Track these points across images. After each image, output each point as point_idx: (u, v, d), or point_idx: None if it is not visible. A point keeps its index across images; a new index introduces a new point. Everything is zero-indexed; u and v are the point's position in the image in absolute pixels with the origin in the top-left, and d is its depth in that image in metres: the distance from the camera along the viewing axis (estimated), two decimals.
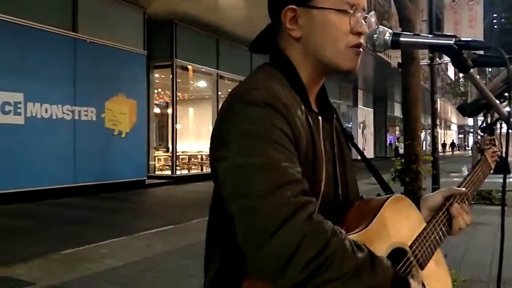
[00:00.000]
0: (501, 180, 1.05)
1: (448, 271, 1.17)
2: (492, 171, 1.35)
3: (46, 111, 10.56)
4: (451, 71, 33.98)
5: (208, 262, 1.03)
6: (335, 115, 1.13)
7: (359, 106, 31.42)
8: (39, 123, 10.36)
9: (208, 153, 0.96)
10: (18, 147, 9.83)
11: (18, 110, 9.93)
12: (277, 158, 0.84)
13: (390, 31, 0.97)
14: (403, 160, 3.98)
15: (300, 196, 0.82)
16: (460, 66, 0.93)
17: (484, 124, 1.35)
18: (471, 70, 0.94)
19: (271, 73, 1.00)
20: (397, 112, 38.17)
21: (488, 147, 1.34)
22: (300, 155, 0.91)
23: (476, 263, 5.03)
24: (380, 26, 0.99)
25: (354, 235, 0.93)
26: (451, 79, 30.43)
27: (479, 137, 1.35)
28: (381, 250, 0.97)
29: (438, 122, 9.11)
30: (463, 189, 1.19)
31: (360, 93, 31.62)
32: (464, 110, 1.08)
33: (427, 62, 7.51)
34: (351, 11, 0.99)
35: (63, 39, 10.99)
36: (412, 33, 0.97)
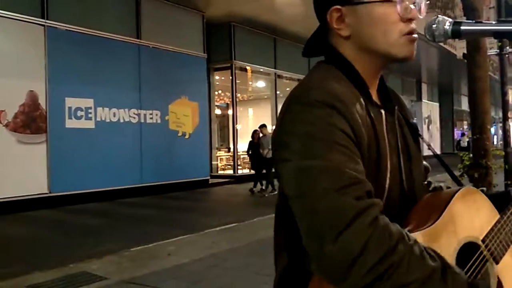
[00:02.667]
0: None
1: None
2: None
3: (114, 115, 11.09)
4: None
5: (277, 260, 1.03)
6: (397, 107, 1.09)
7: (423, 100, 30.27)
8: (108, 126, 10.89)
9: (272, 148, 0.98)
10: (89, 150, 10.41)
11: (89, 115, 10.50)
12: (338, 160, 0.83)
13: (450, 20, 0.94)
14: (471, 155, 3.81)
15: (364, 199, 0.81)
16: None
17: None
18: None
19: (327, 70, 1.00)
20: (465, 106, 36.33)
21: None
22: (363, 152, 0.90)
23: None
24: (439, 15, 0.96)
25: (422, 231, 0.90)
26: None
27: None
28: (452, 245, 0.93)
29: (510, 114, 8.61)
30: None
31: (424, 87, 30.45)
32: None
33: (496, 51, 7.10)
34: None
35: (128, 46, 11.49)
36: (474, 21, 0.94)
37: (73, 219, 7.98)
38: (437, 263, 0.82)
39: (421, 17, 0.99)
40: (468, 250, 0.96)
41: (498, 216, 1.05)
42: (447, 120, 34.70)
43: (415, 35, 0.99)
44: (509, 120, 7.34)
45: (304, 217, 0.83)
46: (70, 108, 10.16)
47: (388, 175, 0.96)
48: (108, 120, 10.94)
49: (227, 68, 15.37)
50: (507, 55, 8.09)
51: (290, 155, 0.87)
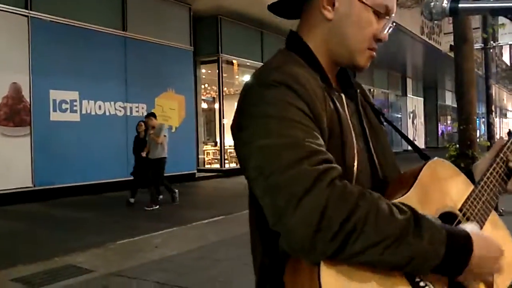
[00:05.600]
0: None
1: (509, 232, 1.07)
2: None
3: (100, 108, 10.97)
4: (506, 56, 32.41)
5: (254, 249, 1.03)
6: (359, 91, 1.11)
7: (408, 95, 30.53)
8: (94, 119, 10.77)
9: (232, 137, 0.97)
10: (74, 143, 10.28)
11: (74, 108, 10.37)
12: (295, 136, 0.84)
13: None
14: (457, 146, 3.86)
15: (320, 165, 0.81)
16: None
17: None
18: None
19: (288, 55, 1.01)
20: (449, 101, 36.80)
21: None
22: (323, 133, 0.90)
23: None
24: None
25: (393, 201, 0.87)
26: (506, 65, 29.01)
27: None
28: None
29: (493, 108, 8.73)
30: (502, 141, 1.08)
31: (409, 82, 30.72)
32: None
33: (481, 45, 7.18)
34: (387, 17, 1.01)
35: (114, 38, 11.36)
36: None
37: (58, 213, 7.90)
38: (407, 215, 0.80)
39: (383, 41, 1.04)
40: (446, 221, 0.93)
41: (471, 186, 1.04)
42: (432, 115, 35.08)
43: (375, 54, 1.05)
44: (493, 113, 7.44)
45: (265, 195, 0.83)
46: (54, 100, 10.02)
47: (356, 157, 0.96)
48: (93, 113, 10.82)
49: (213, 61, 15.30)
50: (490, 50, 8.19)
51: (249, 137, 0.88)
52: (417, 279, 0.85)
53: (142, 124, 9.24)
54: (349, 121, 0.99)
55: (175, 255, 5.22)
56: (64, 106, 10.19)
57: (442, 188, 0.98)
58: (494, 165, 1.06)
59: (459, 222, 0.97)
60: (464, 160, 3.63)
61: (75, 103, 10.38)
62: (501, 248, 0.91)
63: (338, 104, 0.98)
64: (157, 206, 8.72)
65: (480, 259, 0.85)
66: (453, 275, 0.85)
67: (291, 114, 0.86)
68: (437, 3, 0.94)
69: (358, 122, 1.04)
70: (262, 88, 0.90)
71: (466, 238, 0.84)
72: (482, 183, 1.04)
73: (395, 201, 0.86)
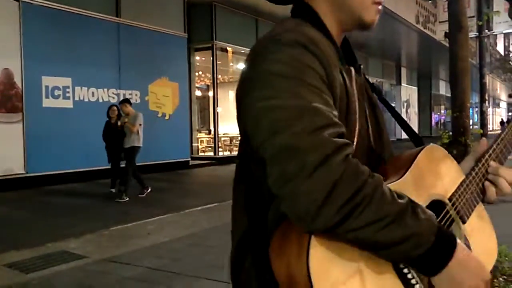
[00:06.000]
0: None
1: (492, 227, 1.08)
2: None
3: (93, 95, 10.90)
4: (500, 46, 32.47)
5: (235, 222, 1.01)
6: (362, 69, 1.10)
7: (402, 84, 30.59)
8: (87, 106, 10.70)
9: (236, 100, 0.93)
10: (67, 130, 10.22)
11: (67, 95, 10.29)
12: (313, 100, 0.82)
13: None
14: (450, 134, 3.87)
15: (338, 138, 0.80)
16: None
17: None
18: None
19: (299, 21, 0.97)
20: (442, 90, 36.90)
21: None
22: (335, 99, 0.88)
23: None
24: None
25: (388, 185, 0.87)
26: (500, 54, 29.07)
27: None
28: (419, 201, 0.90)
29: (486, 97, 8.76)
30: (484, 146, 1.09)
31: (403, 71, 30.75)
32: None
33: (475, 34, 7.18)
34: None
35: (107, 24, 11.25)
36: None
37: (51, 200, 7.88)
38: (406, 200, 0.82)
39: None
40: (435, 209, 0.94)
41: (463, 175, 1.04)
42: (425, 104, 35.20)
43: (381, 8, 1.02)
44: (486, 102, 7.47)
45: (278, 156, 0.80)
46: (47, 87, 9.94)
47: (357, 132, 0.95)
48: (86, 100, 10.75)
49: (208, 48, 15.21)
50: (485, 38, 8.20)
51: (261, 95, 0.84)
52: (401, 266, 0.86)
53: (115, 109, 8.62)
54: (356, 96, 0.97)
55: (167, 241, 5.23)
56: (56, 92, 10.11)
57: (436, 175, 0.99)
58: (483, 161, 1.07)
59: (447, 212, 0.98)
60: (457, 147, 3.65)
61: (67, 90, 10.30)
62: (486, 272, 0.90)
63: (346, 77, 0.96)
64: (148, 190, 8.63)
65: (460, 266, 0.84)
66: (431, 272, 0.84)
67: (309, 78, 0.84)
68: None
69: (362, 98, 1.03)
70: (277, 45, 0.86)
71: (453, 238, 0.86)
72: (473, 173, 1.05)
73: (392, 184, 0.87)
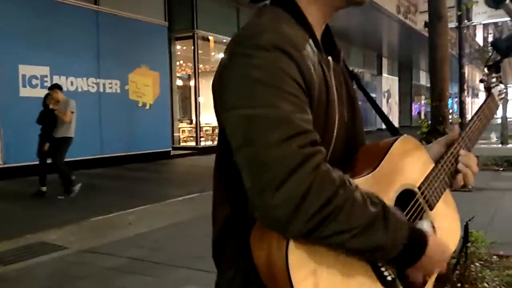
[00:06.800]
0: None
1: (457, 210, 1.14)
2: (498, 109, 1.30)
3: (72, 84, 10.72)
4: (479, 37, 32.92)
5: (217, 212, 1.01)
6: (341, 56, 1.09)
7: (383, 74, 30.80)
8: (65, 95, 10.49)
9: (213, 94, 0.93)
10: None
11: (45, 84, 10.08)
12: (287, 109, 0.81)
13: None
14: (429, 123, 3.92)
15: (307, 147, 0.80)
16: None
17: (490, 62, 1.29)
18: (507, 1, 0.91)
19: (277, 13, 0.94)
20: (423, 80, 37.29)
21: (495, 84, 1.27)
22: (313, 99, 0.88)
23: (504, 227, 4.97)
24: None
25: (362, 178, 0.91)
26: (479, 45, 29.44)
27: (484, 74, 1.30)
28: (391, 191, 0.96)
29: (465, 87, 8.87)
30: (456, 134, 1.14)
31: (384, 61, 30.95)
32: (499, 46, 1.04)
33: (455, 24, 7.25)
34: None
35: (85, 12, 11.04)
36: None
37: (30, 191, 7.74)
38: (378, 208, 0.84)
39: None
40: (405, 197, 0.99)
41: (433, 164, 1.09)
42: (406, 94, 35.54)
43: None
44: (465, 92, 7.58)
45: (249, 167, 0.81)
46: (24, 76, 9.73)
47: (337, 123, 0.95)
48: (65, 89, 10.49)
49: (189, 37, 15.05)
50: (465, 29, 8.28)
51: (237, 102, 0.84)
52: (379, 264, 0.90)
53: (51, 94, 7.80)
54: (334, 88, 0.97)
55: (149, 231, 5.21)
56: (34, 81, 9.91)
57: (408, 164, 1.02)
58: (452, 149, 1.11)
59: (417, 200, 1.02)
60: (435, 136, 3.69)
61: (45, 79, 10.09)
62: (449, 251, 1.00)
63: (325, 68, 0.95)
64: (77, 186, 7.52)
65: (430, 259, 0.91)
66: (403, 267, 0.92)
67: (284, 84, 0.82)
68: None
69: (340, 86, 1.03)
70: (253, 49, 0.84)
71: (424, 240, 0.91)
72: (442, 161, 1.09)
73: (365, 177, 0.91)
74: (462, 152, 1.11)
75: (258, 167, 0.79)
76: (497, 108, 1.27)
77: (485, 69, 1.27)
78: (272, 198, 0.77)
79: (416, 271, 0.93)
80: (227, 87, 0.87)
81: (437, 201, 1.06)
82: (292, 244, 0.80)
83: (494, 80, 1.25)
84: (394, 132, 1.13)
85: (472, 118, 1.20)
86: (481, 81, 1.24)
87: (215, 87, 0.92)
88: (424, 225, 0.99)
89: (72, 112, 7.57)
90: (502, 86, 1.26)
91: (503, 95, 1.28)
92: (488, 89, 1.27)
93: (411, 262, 0.90)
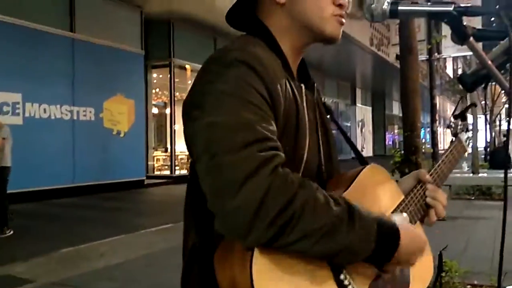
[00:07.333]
0: (501, 176, 1.05)
1: (428, 244, 1.12)
2: (465, 153, 1.36)
3: (45, 111, 10.55)
4: (449, 69, 34.01)
5: (186, 241, 1.01)
6: (316, 88, 1.12)
7: (357, 104, 31.39)
8: (38, 123, 10.33)
9: (182, 116, 0.94)
10: (17, 148, 9.78)
11: (17, 111, 9.91)
12: (249, 118, 0.82)
13: (388, 0, 0.96)
14: (402, 152, 3.98)
15: (265, 152, 0.80)
16: (460, 33, 0.92)
17: (457, 111, 1.39)
18: (471, 39, 0.93)
19: (251, 39, 0.98)
20: (395, 110, 38.11)
21: (461, 131, 1.35)
22: (278, 117, 0.89)
23: (477, 256, 5.02)
24: None
25: None
26: (449, 77, 30.42)
27: (452, 122, 1.39)
28: None
29: (437, 118, 9.09)
30: (428, 177, 1.16)
31: (358, 91, 31.61)
32: (464, 81, 1.07)
33: (426, 57, 7.49)
34: None
35: (61, 39, 10.98)
36: (410, 2, 0.96)
37: None
38: (342, 207, 0.82)
39: (348, 11, 1.03)
40: None
41: (402, 195, 1.10)
42: (379, 124, 36.20)
43: (343, 20, 1.02)
44: (437, 122, 7.76)
45: (207, 174, 0.81)
46: None
47: (307, 147, 0.96)
48: (37, 117, 10.38)
49: (165, 66, 15.12)
50: (435, 62, 8.56)
51: (201, 113, 0.85)
52: (342, 277, 0.88)
53: None
54: (306, 112, 0.98)
55: (122, 263, 5.07)
56: (5, 108, 9.71)
57: (376, 193, 1.03)
58: (420, 185, 1.13)
59: None
60: (408, 166, 3.74)
61: (17, 106, 9.91)
62: (425, 239, 0.97)
63: (297, 94, 0.97)
64: (10, 232, 6.67)
65: (406, 250, 0.89)
66: (380, 264, 0.89)
67: (248, 96, 0.84)
68: (378, 5, 0.96)
69: (313, 115, 1.04)
70: (221, 66, 0.87)
71: (395, 232, 0.88)
72: (412, 194, 1.11)
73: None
74: (430, 186, 1.13)
75: (216, 172, 0.79)
76: (464, 152, 1.33)
77: (452, 118, 1.35)
78: (230, 203, 0.76)
79: (395, 266, 0.92)
80: (195, 102, 0.88)
81: None
82: (256, 265, 0.78)
83: (460, 127, 1.31)
84: (362, 162, 1.14)
85: (441, 158, 1.26)
86: (448, 127, 1.32)
87: (183, 106, 0.93)
88: (397, 218, 0.96)
89: (4, 138, 6.83)
90: (469, 134, 1.34)
91: (469, 142, 1.35)
92: (455, 135, 1.34)
93: (386, 258, 0.87)
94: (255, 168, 0.77)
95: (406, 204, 1.07)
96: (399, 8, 0.95)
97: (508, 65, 1.04)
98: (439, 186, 1.18)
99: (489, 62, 0.98)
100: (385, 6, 0.96)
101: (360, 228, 0.82)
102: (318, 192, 0.81)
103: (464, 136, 1.34)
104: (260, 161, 0.78)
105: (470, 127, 1.36)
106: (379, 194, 1.02)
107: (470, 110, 1.40)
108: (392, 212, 1.04)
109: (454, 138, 1.34)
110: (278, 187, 0.77)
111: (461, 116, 1.35)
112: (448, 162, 1.25)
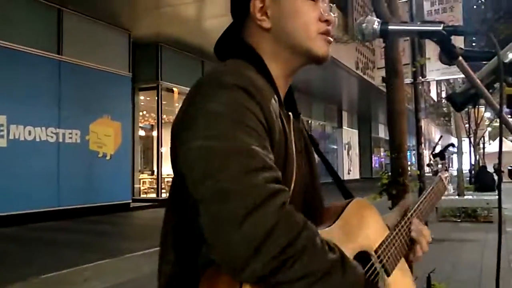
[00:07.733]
0: (485, 198, 1.07)
1: (412, 279, 1.16)
2: (446, 190, 1.39)
3: (30, 134, 10.42)
4: (433, 93, 34.59)
5: (162, 263, 0.98)
6: (301, 118, 1.12)
7: (344, 127, 31.64)
8: (23, 145, 10.20)
9: (171, 138, 0.91)
10: (0, 171, 9.65)
11: (1, 133, 9.78)
12: (250, 143, 0.79)
13: (378, 20, 0.97)
14: (389, 174, 3.99)
15: (273, 184, 0.78)
16: (449, 53, 0.93)
17: (436, 150, 1.44)
18: (460, 58, 0.94)
19: (240, 63, 0.96)
20: (382, 133, 38.49)
21: (441, 170, 1.38)
22: (273, 144, 0.87)
23: (464, 279, 5.02)
24: (368, 15, 0.99)
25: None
26: (434, 100, 30.91)
27: (431, 160, 1.43)
28: (347, 251, 0.93)
29: (422, 140, 9.16)
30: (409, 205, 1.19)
31: (344, 114, 31.90)
32: (454, 100, 1.07)
33: (410, 80, 7.59)
34: None
35: (47, 61, 10.94)
36: (400, 22, 0.97)
37: None
38: (336, 255, 0.81)
39: (332, 31, 1.03)
40: (361, 260, 0.97)
41: (387, 230, 1.10)
42: (366, 147, 36.46)
43: (331, 38, 1.02)
44: (422, 144, 7.83)
45: (209, 201, 0.77)
46: None
47: (294, 177, 0.94)
48: (22, 139, 10.24)
49: (153, 88, 15.12)
50: (419, 85, 8.66)
51: (197, 135, 0.82)
52: None
53: None
54: (293, 141, 0.97)
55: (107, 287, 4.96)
56: None
57: (363, 227, 1.02)
58: (406, 219, 1.16)
59: (373, 264, 1.01)
60: (396, 188, 3.75)
61: (1, 128, 9.79)
62: None
63: (285, 123, 0.96)
64: None
65: None
66: None
67: (246, 119, 0.81)
68: (368, 25, 0.97)
69: (300, 144, 1.03)
70: (216, 88, 0.85)
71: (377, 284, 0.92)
72: (397, 229, 1.11)
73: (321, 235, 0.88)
74: (415, 221, 1.15)
75: (219, 200, 0.75)
76: (445, 190, 1.37)
77: (432, 157, 1.39)
78: (234, 234, 0.72)
79: None
80: (187, 124, 0.85)
81: (394, 267, 1.06)
82: None
83: (440, 166, 1.35)
84: (347, 195, 1.14)
85: (423, 196, 1.28)
86: (428, 165, 1.37)
87: (174, 128, 0.91)
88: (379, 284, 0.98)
89: None
90: (449, 172, 1.38)
91: (448, 180, 1.39)
92: (435, 173, 1.38)
93: None
94: (263, 199, 0.74)
95: (391, 239, 1.08)
96: (389, 27, 0.96)
97: (496, 84, 1.05)
98: (422, 220, 1.20)
99: (479, 81, 0.99)
100: (376, 25, 0.97)
101: (351, 278, 0.82)
102: (317, 236, 0.80)
103: (444, 174, 1.37)
104: (269, 193, 0.76)
105: (450, 168, 1.41)
106: (365, 229, 1.02)
107: (445, 165, 1.44)
108: (379, 246, 1.04)
109: (434, 174, 1.38)
110: (285, 225, 0.75)
111: (440, 155, 1.38)
112: (429, 200, 1.28)
